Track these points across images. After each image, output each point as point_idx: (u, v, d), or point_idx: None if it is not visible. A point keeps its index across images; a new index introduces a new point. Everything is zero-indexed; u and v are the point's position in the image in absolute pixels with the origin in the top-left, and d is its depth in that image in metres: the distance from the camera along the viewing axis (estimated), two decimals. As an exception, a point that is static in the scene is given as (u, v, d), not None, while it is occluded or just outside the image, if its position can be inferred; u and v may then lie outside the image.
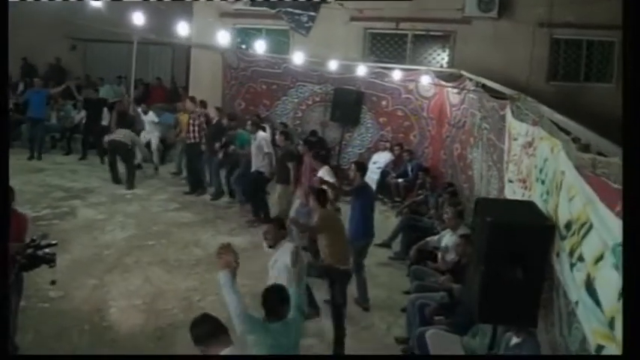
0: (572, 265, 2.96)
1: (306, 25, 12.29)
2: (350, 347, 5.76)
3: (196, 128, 10.46)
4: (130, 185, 10.65)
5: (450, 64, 11.86)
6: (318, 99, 12.37)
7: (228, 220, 9.35)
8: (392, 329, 6.24)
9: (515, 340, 4.18)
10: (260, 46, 11.11)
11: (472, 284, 3.84)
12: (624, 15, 2.52)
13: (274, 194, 9.24)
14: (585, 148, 3.09)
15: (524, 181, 4.61)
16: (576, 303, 2.85)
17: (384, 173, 11.03)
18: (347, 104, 11.84)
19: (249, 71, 12.69)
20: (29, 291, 5.72)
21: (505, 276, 3.48)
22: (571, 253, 2.99)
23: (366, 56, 12.31)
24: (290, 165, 8.54)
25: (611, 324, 2.24)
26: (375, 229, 8.96)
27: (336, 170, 9.36)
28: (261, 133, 9.49)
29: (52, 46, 15.75)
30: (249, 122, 9.86)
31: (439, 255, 6.68)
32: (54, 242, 4.97)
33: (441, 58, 12.24)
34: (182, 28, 7.73)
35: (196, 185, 10.68)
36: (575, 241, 2.92)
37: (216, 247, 7.99)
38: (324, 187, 6.71)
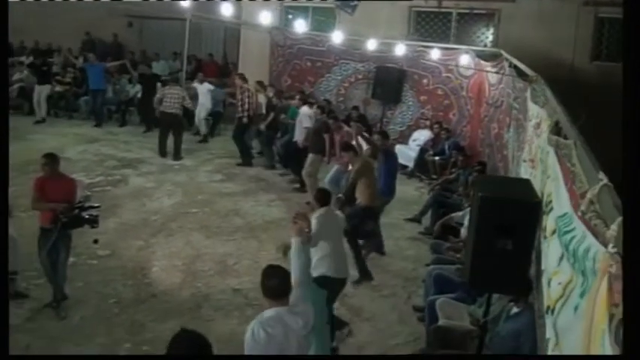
0: (544, 238, 3.23)
1: (352, 3, 12.49)
2: (370, 311, 6.21)
3: (243, 102, 10.99)
4: (177, 156, 11.20)
5: (495, 43, 11.83)
6: (360, 76, 12.65)
7: (268, 192, 9.78)
8: (412, 298, 6.56)
9: (515, 309, 4.50)
10: (306, 25, 11.44)
11: (467, 254, 4.15)
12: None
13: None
14: (559, 130, 3.31)
15: (532, 161, 4.83)
16: (543, 272, 3.13)
17: (422, 151, 11.27)
18: (389, 82, 12.08)
19: (294, 49, 13.07)
20: (80, 249, 6.40)
21: (493, 247, 3.76)
22: (545, 228, 3.25)
23: (410, 35, 12.42)
24: (325, 136, 9.15)
25: (549, 284, 2.52)
26: (410, 205, 9.38)
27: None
28: (303, 109, 10.09)
29: (110, 23, 16.43)
30: (296, 97, 10.52)
31: (461, 230, 6.95)
32: (96, 205, 5.55)
33: (485, 37, 12.22)
34: (226, 9, 8.16)
35: (247, 156, 11.22)
36: (546, 217, 3.18)
37: (255, 216, 8.60)
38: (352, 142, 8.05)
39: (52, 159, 5.55)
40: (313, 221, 5.12)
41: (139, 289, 6.22)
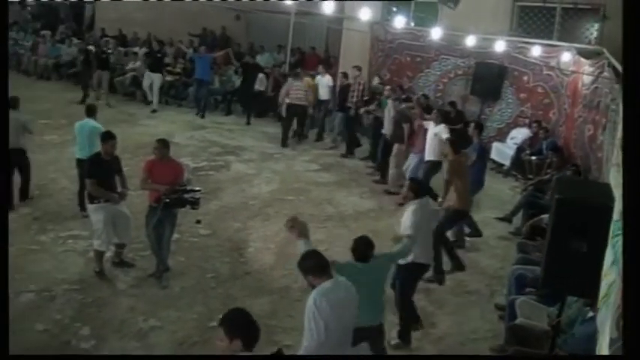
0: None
1: (455, -3, 12.39)
2: (453, 305, 6.39)
3: (356, 94, 11.39)
4: (301, 140, 11.93)
5: (599, 39, 11.31)
6: (460, 72, 12.59)
7: (361, 184, 10.07)
8: (495, 296, 6.63)
9: (590, 314, 4.53)
10: (407, 19, 11.54)
11: (542, 256, 4.24)
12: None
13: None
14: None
15: (618, 165, 4.77)
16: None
17: (519, 149, 11.09)
18: (488, 78, 11.95)
19: (395, 43, 13.22)
20: (184, 227, 7.02)
21: (568, 249, 3.83)
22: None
23: (513, 30, 12.17)
24: (405, 126, 9.36)
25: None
26: (504, 203, 9.35)
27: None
28: (390, 101, 10.23)
29: (218, 16, 17.13)
30: (387, 88, 10.78)
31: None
32: (197, 189, 6.09)
33: (590, 33, 11.71)
34: (327, 7, 8.55)
35: (353, 146, 11.58)
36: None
37: (347, 206, 8.91)
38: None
39: (163, 144, 6.09)
40: (410, 214, 5.30)
41: (235, 267, 6.75)
